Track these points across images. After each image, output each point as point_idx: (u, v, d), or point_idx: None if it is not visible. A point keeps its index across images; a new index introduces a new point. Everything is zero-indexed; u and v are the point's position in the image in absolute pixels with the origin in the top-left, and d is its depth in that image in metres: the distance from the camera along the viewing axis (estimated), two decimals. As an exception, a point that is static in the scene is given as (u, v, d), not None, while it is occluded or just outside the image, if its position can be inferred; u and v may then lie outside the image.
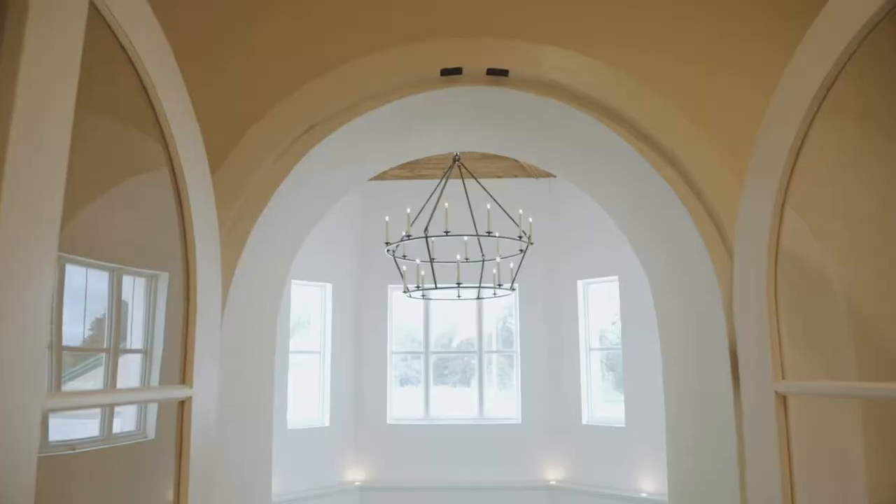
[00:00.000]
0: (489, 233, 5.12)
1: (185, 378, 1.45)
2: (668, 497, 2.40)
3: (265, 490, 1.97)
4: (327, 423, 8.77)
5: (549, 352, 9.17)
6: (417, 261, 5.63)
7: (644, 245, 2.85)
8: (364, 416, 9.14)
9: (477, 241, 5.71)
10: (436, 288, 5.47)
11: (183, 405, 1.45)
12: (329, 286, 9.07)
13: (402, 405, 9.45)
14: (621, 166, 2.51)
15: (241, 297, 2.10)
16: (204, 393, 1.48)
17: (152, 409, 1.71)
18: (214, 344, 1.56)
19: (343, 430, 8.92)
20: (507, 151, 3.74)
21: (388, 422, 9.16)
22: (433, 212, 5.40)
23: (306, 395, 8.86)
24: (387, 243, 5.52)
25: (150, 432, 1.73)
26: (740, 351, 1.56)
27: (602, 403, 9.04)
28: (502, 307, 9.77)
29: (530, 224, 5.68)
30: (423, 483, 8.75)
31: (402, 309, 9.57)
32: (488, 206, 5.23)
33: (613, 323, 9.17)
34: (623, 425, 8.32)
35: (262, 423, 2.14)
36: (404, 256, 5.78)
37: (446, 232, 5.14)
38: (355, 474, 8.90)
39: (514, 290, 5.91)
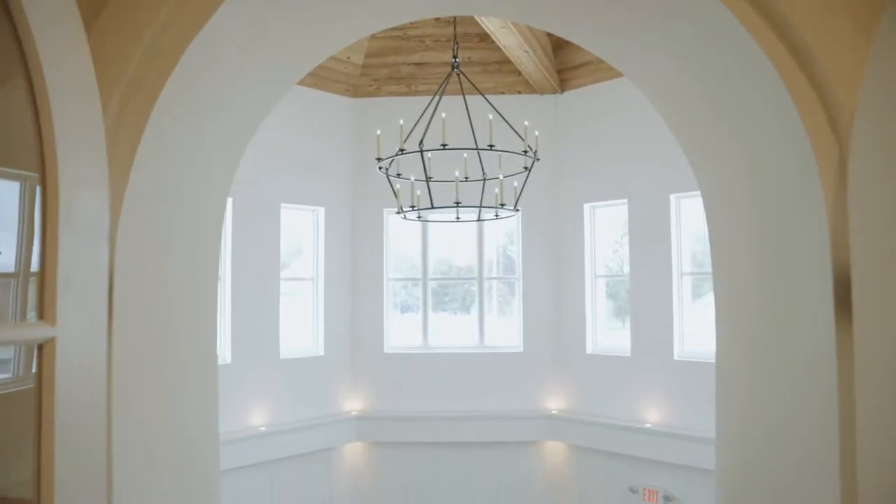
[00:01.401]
0: (491, 146, 4.59)
1: (44, 312, 1.01)
2: (715, 435, 2.01)
3: (208, 425, 1.56)
4: (322, 353, 8.47)
5: (552, 278, 8.77)
6: (412, 178, 5.12)
7: (700, 136, 2.15)
8: (361, 344, 8.83)
9: (477, 158, 5.19)
10: (432, 208, 4.98)
11: (42, 349, 1.01)
12: (321, 210, 8.59)
13: (400, 333, 9.12)
14: (685, 19, 1.88)
15: (159, 208, 1.61)
16: (75, 332, 1.04)
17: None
18: (97, 267, 1.11)
19: (339, 359, 8.62)
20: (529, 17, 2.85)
21: (386, 350, 8.85)
22: (429, 124, 4.85)
23: (299, 325, 8.52)
24: (378, 159, 5.00)
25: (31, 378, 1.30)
26: (858, 274, 1.11)
27: (606, 332, 8.70)
28: (503, 234, 9.31)
29: (536, 138, 5.13)
30: (421, 413, 8.51)
31: (400, 234, 9.12)
32: (490, 116, 4.68)
33: (615, 251, 8.74)
34: (628, 355, 7.99)
35: (202, 354, 1.70)
36: (398, 175, 5.28)
37: (443, 146, 4.61)
38: (352, 404, 8.67)
39: (517, 211, 5.42)
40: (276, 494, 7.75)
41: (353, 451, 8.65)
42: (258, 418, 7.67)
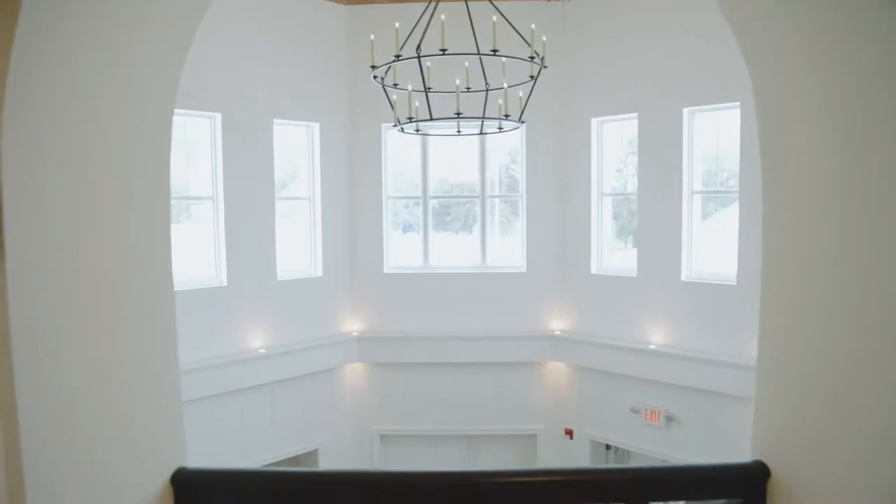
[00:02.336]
0: (494, 51, 4.21)
1: None
2: (757, 362, 1.80)
3: (166, 355, 1.34)
4: (320, 273, 8.29)
5: (556, 196, 8.48)
6: (410, 88, 4.75)
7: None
8: (360, 265, 8.64)
9: (480, 65, 4.81)
10: (431, 119, 4.65)
11: None
12: (316, 126, 8.21)
13: (401, 253, 8.92)
14: None
15: (71, 116, 1.31)
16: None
17: None
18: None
19: (338, 280, 8.46)
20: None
21: (386, 271, 8.68)
22: (427, 26, 4.45)
23: (297, 245, 8.30)
24: (373, 67, 4.62)
25: None
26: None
27: (611, 252, 8.49)
28: (505, 153, 8.96)
29: (543, 43, 4.73)
30: (423, 333, 8.42)
31: (399, 150, 8.78)
32: (494, 18, 4.28)
33: (619, 171, 8.41)
34: (634, 275, 7.81)
35: (155, 279, 1.46)
36: (395, 86, 4.91)
37: (443, 51, 4.23)
38: (352, 325, 8.57)
39: (522, 123, 5.07)
40: (278, 416, 7.75)
41: (354, 372, 8.62)
42: (257, 340, 7.57)
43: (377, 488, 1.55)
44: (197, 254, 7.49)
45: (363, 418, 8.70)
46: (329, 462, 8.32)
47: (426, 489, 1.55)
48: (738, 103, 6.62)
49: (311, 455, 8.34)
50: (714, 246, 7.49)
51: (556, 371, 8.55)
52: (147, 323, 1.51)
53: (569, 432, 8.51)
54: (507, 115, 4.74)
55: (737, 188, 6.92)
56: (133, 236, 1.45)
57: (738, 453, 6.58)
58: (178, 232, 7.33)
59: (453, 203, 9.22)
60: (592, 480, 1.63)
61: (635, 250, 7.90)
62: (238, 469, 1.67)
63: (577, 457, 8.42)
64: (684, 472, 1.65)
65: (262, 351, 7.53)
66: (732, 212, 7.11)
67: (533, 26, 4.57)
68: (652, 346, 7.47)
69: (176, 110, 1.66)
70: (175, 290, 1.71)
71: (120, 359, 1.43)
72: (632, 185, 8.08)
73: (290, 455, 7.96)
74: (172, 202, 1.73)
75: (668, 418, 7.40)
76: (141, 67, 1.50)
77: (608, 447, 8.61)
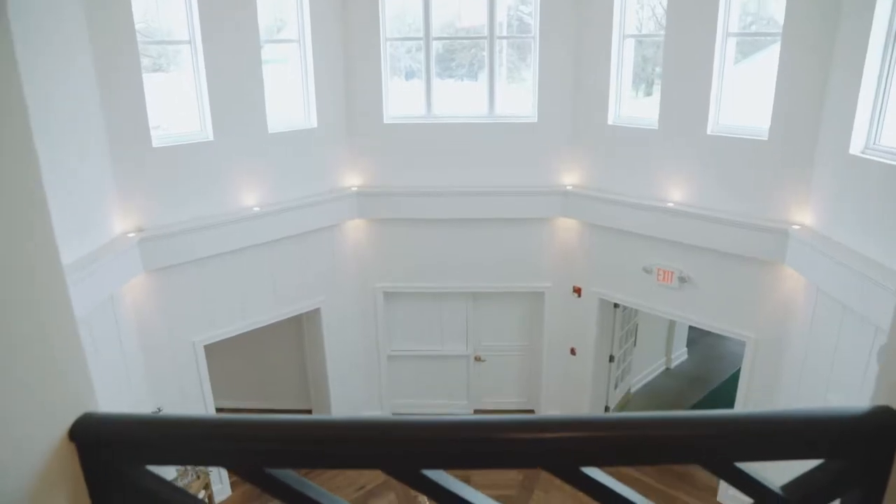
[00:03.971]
0: None
1: None
2: None
3: (44, 248, 0.90)
4: (314, 125, 7.67)
5: (572, 37, 7.61)
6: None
7: None
8: (357, 114, 7.98)
9: None
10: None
11: None
12: (302, -45, 7.20)
13: (402, 102, 8.20)
14: None
15: None
16: None
17: None
18: None
19: (334, 131, 7.84)
20: None
21: (386, 121, 8.03)
22: None
23: (288, 94, 7.60)
24: None
25: None
26: None
27: (631, 101, 7.77)
28: (516, -10, 7.93)
29: None
30: (426, 187, 7.96)
31: (396, -15, 7.78)
32: None
33: (643, 8, 7.43)
34: (654, 127, 7.16)
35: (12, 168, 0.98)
36: None
37: None
38: (351, 179, 8.09)
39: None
40: (278, 276, 7.52)
41: (355, 229, 8.27)
42: (250, 198, 7.14)
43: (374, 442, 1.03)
44: (179, 106, 6.87)
45: (365, 276, 8.49)
46: (331, 320, 8.24)
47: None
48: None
49: (314, 314, 8.23)
50: (746, 96, 6.78)
51: (567, 228, 8.17)
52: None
53: (577, 290, 8.31)
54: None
55: (779, 29, 6.08)
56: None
57: (752, 319, 6.34)
58: (156, 83, 6.65)
59: (458, 48, 8.34)
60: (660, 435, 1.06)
61: (657, 100, 7.18)
62: (170, 416, 1.21)
63: (585, 315, 8.29)
64: (777, 422, 1.11)
65: (255, 209, 7.13)
66: (770, 56, 6.32)
67: None
68: (670, 204, 7.01)
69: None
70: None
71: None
72: (657, 26, 7.19)
73: (293, 314, 7.84)
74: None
75: (682, 279, 7.12)
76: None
77: (616, 306, 8.46)
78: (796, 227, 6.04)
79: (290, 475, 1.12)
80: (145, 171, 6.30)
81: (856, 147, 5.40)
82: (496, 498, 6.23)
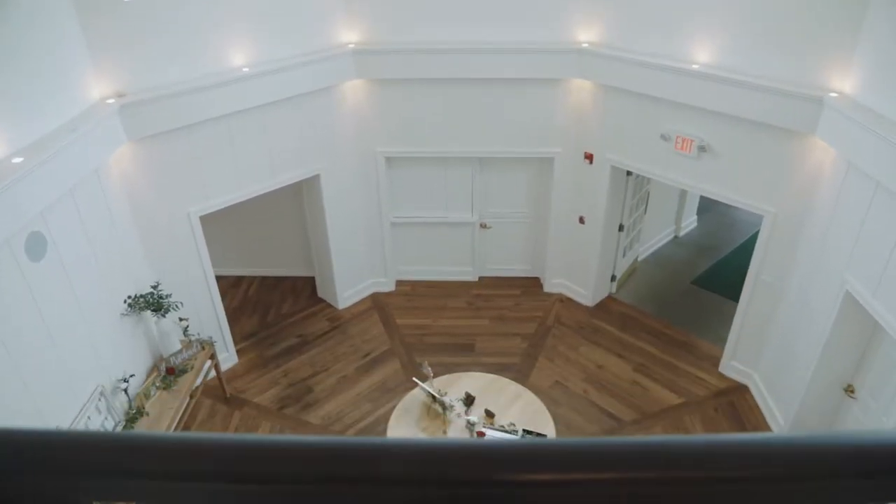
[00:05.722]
0: None
1: None
2: None
3: None
4: (306, -27, 6.90)
5: None
6: None
7: None
8: (353, -39, 7.17)
9: None
10: None
11: None
12: None
13: (402, -55, 7.34)
14: None
15: None
16: None
17: None
18: None
19: (327, -20, 7.08)
20: None
21: (385, -32, 7.22)
22: None
23: (273, -65, 6.77)
24: None
25: None
26: None
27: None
28: None
29: None
30: (429, 44, 7.31)
31: None
32: None
33: None
34: (684, -24, 6.39)
35: None
36: None
37: None
38: (348, 35, 7.41)
39: None
40: (273, 142, 7.10)
41: (354, 91, 7.71)
42: (238, 58, 6.56)
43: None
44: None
45: (366, 141, 8.06)
46: (331, 187, 7.91)
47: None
48: None
49: (313, 181, 7.90)
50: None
51: (581, 90, 7.61)
52: None
53: (588, 157, 7.89)
54: None
55: None
56: None
57: (773, 192, 5.97)
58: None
59: None
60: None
61: (690, -57, 6.35)
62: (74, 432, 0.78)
63: (596, 183, 7.93)
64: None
65: (245, 70, 6.57)
66: None
67: None
68: (695, 66, 6.41)
69: None
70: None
71: None
72: None
73: (291, 181, 7.51)
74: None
75: (701, 148, 6.69)
76: None
77: (629, 174, 8.08)
78: (833, 94, 5.52)
79: None
80: (119, 27, 5.68)
81: (914, 4, 4.77)
82: (500, 366, 6.25)
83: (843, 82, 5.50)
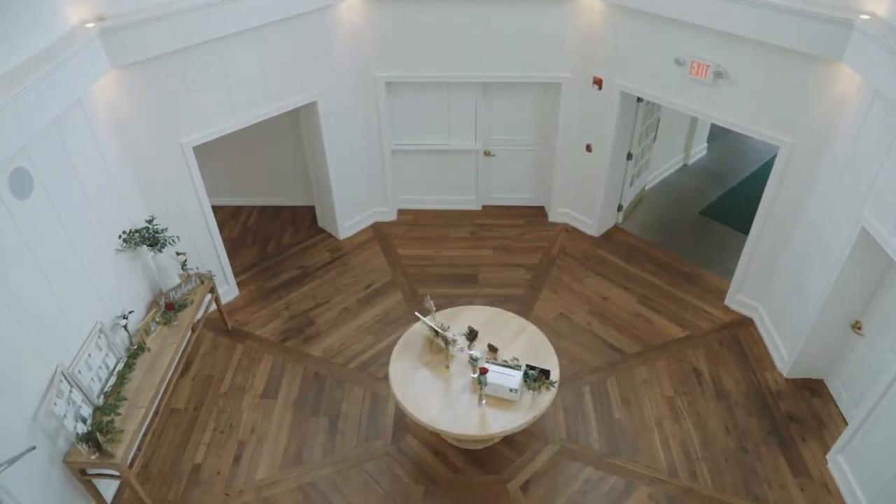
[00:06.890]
0: None
1: None
2: None
3: None
4: None
5: None
6: None
7: None
8: None
9: None
10: None
11: None
12: None
13: None
14: None
15: None
16: None
17: None
18: None
19: None
20: None
21: None
22: None
23: None
24: None
25: None
26: None
27: None
28: None
29: None
30: (430, -40, 6.86)
31: None
32: None
33: None
34: None
35: None
36: None
37: None
38: (344, -50, 6.93)
39: None
40: (268, 66, 6.74)
41: (351, 11, 7.26)
42: (226, -24, 6.14)
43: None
44: None
45: (365, 66, 7.68)
46: (329, 114, 7.61)
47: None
48: None
49: (311, 108, 7.58)
50: None
51: (590, 10, 7.16)
52: None
53: (598, 82, 7.53)
54: None
55: None
56: None
57: (791, 122, 5.69)
58: None
59: None
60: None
61: None
62: None
63: (605, 109, 7.61)
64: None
65: (235, -10, 6.16)
66: None
67: None
68: (716, -15, 5.98)
69: None
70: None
71: None
72: None
73: (287, 108, 7.19)
74: None
75: (718, 74, 6.34)
76: None
77: (639, 100, 7.74)
78: (865, 17, 5.14)
79: None
80: (97, -55, 5.29)
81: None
82: (503, 297, 6.14)
83: (876, 4, 5.11)
